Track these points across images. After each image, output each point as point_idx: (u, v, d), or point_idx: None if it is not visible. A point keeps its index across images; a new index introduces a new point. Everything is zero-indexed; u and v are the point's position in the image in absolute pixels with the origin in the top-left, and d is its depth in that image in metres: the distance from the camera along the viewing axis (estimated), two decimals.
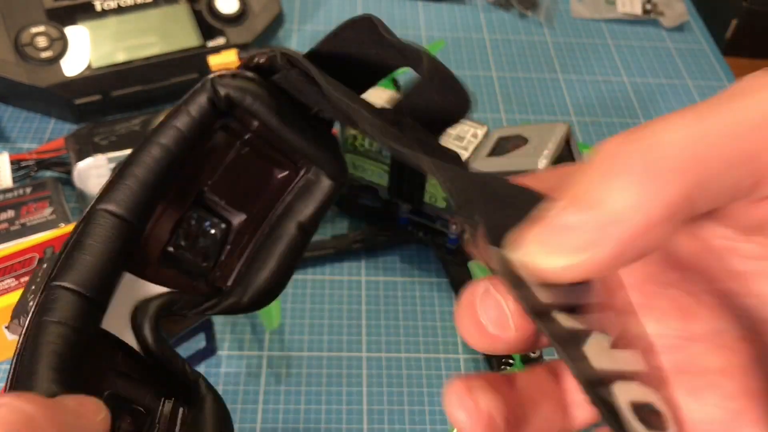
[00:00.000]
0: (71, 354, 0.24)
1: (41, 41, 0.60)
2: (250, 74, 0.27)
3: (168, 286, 0.28)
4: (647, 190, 0.17)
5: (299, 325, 0.52)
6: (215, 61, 0.61)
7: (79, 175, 0.55)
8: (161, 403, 0.27)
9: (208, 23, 0.64)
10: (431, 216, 0.55)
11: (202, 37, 0.64)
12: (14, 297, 0.46)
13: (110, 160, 0.55)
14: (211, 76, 0.28)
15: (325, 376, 0.49)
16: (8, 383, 0.24)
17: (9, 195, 0.53)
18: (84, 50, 0.61)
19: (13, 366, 0.24)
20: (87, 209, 0.27)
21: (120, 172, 0.27)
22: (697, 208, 0.18)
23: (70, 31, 0.61)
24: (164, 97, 0.65)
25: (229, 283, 0.30)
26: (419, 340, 0.52)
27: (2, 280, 0.46)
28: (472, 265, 0.49)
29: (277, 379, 0.49)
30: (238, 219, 0.30)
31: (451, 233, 0.54)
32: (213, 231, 0.30)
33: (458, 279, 0.54)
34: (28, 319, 0.25)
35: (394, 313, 0.53)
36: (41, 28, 0.60)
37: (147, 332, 0.27)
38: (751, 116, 0.18)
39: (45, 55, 0.60)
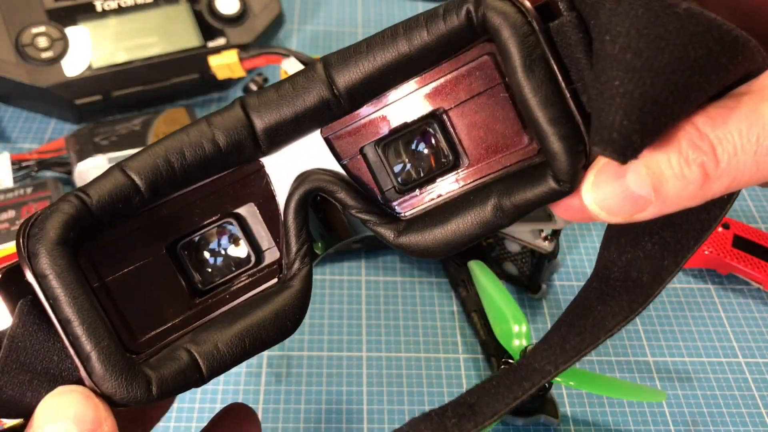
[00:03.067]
0: (197, 156, 0.25)
1: (42, 41, 0.60)
2: (527, 4, 0.23)
3: (351, 176, 0.27)
4: (695, 198, 0.22)
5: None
6: (216, 62, 0.61)
7: (80, 175, 0.55)
8: (261, 255, 0.27)
9: (209, 23, 0.65)
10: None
11: (203, 37, 0.64)
12: None
13: (111, 160, 0.55)
14: None
15: (325, 376, 0.50)
16: None
17: (10, 195, 0.53)
18: (85, 50, 0.61)
19: None
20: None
21: (358, 43, 0.25)
22: None
23: (70, 31, 0.61)
24: (165, 98, 0.65)
25: (407, 215, 0.27)
26: (419, 340, 0.52)
27: None
28: (472, 265, 0.50)
29: (277, 379, 0.49)
30: (464, 161, 0.26)
31: None
32: (431, 156, 0.27)
33: (458, 279, 0.54)
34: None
35: (394, 313, 0.53)
36: (42, 29, 0.60)
37: (295, 199, 0.26)
38: None
39: (46, 55, 0.60)
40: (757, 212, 0.63)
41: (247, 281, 0.27)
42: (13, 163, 0.56)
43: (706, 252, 0.56)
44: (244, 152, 0.26)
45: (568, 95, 0.23)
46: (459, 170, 0.27)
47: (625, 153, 0.21)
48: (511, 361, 0.46)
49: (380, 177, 0.27)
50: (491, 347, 0.50)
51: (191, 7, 0.65)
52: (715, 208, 0.25)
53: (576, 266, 0.57)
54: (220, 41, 0.64)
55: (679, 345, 0.53)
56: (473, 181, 0.26)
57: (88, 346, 0.23)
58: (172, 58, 0.63)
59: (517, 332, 0.47)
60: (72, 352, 0.23)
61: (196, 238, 0.27)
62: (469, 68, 0.25)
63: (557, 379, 0.45)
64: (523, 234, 0.51)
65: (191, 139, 0.25)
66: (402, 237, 0.26)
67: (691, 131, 0.21)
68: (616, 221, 0.23)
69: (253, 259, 0.27)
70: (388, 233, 0.26)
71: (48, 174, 0.58)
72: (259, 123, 0.25)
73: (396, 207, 0.27)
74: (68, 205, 0.24)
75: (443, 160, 0.27)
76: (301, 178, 0.26)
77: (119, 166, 0.25)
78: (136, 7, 0.63)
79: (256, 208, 0.27)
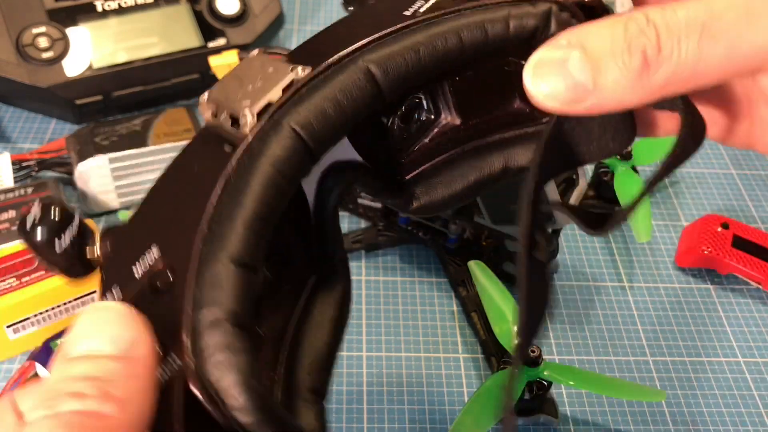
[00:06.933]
0: (275, 204, 0.22)
1: (42, 42, 0.60)
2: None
3: (361, 154, 0.27)
4: (636, 90, 0.22)
5: None
6: (216, 62, 0.61)
7: (81, 175, 0.55)
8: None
9: (209, 24, 0.65)
10: (431, 216, 0.55)
11: (203, 37, 0.64)
12: (15, 297, 0.46)
13: (111, 160, 0.55)
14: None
15: None
16: (213, 207, 0.21)
17: (10, 195, 0.53)
18: (85, 51, 0.61)
19: (222, 190, 0.21)
20: (350, 51, 0.24)
21: (397, 34, 0.24)
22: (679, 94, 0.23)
23: (71, 31, 0.61)
24: (165, 98, 0.65)
25: (408, 177, 0.28)
26: (419, 340, 0.52)
27: (3, 280, 0.46)
28: (472, 265, 0.50)
29: None
30: (449, 119, 0.28)
31: (451, 233, 0.54)
32: (423, 117, 0.28)
33: (458, 279, 0.54)
34: (247, 141, 0.22)
35: (394, 312, 0.54)
36: (42, 29, 0.60)
37: (333, 197, 0.26)
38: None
39: (46, 55, 0.60)
40: (756, 212, 0.63)
41: None
42: (13, 163, 0.56)
43: (706, 252, 0.56)
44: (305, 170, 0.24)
45: None
46: (450, 128, 0.28)
47: None
48: (511, 361, 0.46)
49: (385, 151, 0.28)
50: (491, 347, 0.50)
51: (191, 8, 0.65)
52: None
53: (576, 266, 0.58)
54: (221, 41, 0.64)
55: (679, 345, 0.53)
56: (468, 140, 0.28)
57: None
58: (172, 59, 0.63)
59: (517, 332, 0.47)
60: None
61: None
62: (483, 48, 0.26)
63: (557, 378, 0.45)
64: None
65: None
66: (414, 204, 0.28)
67: (638, 17, 0.22)
68: (554, 107, 0.23)
69: None
70: (400, 204, 0.28)
71: (48, 174, 0.58)
72: (313, 144, 0.23)
73: (401, 171, 0.28)
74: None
75: (428, 119, 0.28)
76: (329, 173, 0.26)
77: None
78: (136, 8, 0.63)
79: None
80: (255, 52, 0.26)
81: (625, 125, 0.27)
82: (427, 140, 0.28)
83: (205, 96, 0.25)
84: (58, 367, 0.20)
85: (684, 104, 0.23)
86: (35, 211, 0.24)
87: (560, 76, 0.22)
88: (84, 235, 0.24)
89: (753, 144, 0.27)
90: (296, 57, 0.25)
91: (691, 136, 0.24)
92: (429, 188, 0.28)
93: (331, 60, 0.23)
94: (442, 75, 0.26)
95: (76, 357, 0.20)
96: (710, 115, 0.27)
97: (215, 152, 0.23)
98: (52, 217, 0.24)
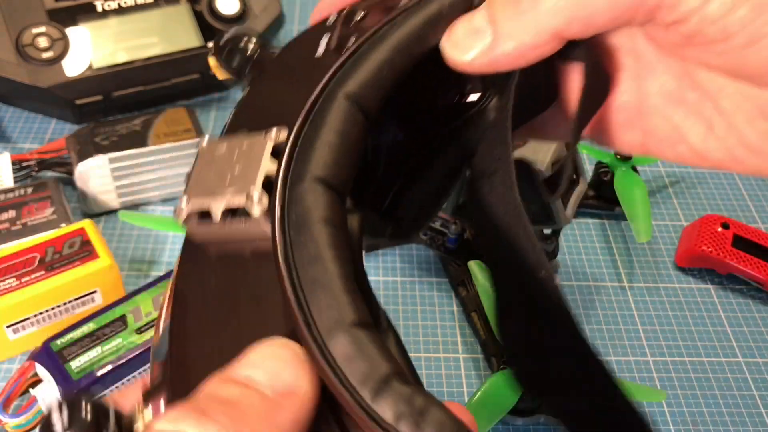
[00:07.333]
0: (348, 257, 0.21)
1: (42, 42, 0.60)
2: None
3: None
4: (526, 26, 0.23)
5: None
6: (216, 62, 0.61)
7: (81, 175, 0.55)
8: None
9: (209, 24, 0.65)
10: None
11: (203, 37, 0.64)
12: (15, 297, 0.46)
13: (111, 160, 0.55)
14: None
15: None
16: (296, 312, 0.19)
17: (10, 195, 0.53)
18: (85, 51, 0.61)
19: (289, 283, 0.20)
20: (319, 91, 0.22)
21: (360, 55, 0.23)
22: (573, 36, 0.24)
23: (71, 31, 0.61)
24: (165, 98, 0.65)
25: (386, 204, 0.28)
26: (419, 340, 0.52)
27: (3, 280, 0.46)
28: (472, 265, 0.50)
29: None
30: (392, 136, 0.27)
31: (451, 233, 0.54)
32: (369, 144, 0.27)
33: (458, 279, 0.54)
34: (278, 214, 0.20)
35: (394, 312, 0.54)
36: (42, 29, 0.60)
37: (356, 244, 0.24)
38: None
39: (46, 55, 0.60)
40: (757, 212, 0.63)
41: None
42: (13, 163, 0.56)
43: (706, 252, 0.56)
44: (345, 215, 0.23)
45: None
46: (398, 142, 0.28)
47: None
48: None
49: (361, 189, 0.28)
50: (491, 347, 0.50)
51: (191, 8, 0.65)
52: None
53: (576, 266, 0.58)
54: None
55: (679, 345, 0.53)
56: (421, 147, 0.28)
57: None
58: (172, 59, 0.63)
59: None
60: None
61: None
62: None
63: None
64: None
65: None
66: (404, 228, 0.28)
67: None
68: (465, 63, 0.24)
69: None
70: (398, 233, 0.28)
71: (48, 174, 0.58)
72: (341, 190, 0.23)
73: (378, 202, 0.28)
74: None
75: (379, 139, 0.28)
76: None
77: None
78: (136, 8, 0.63)
79: None
80: (205, 140, 0.24)
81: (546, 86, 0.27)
82: (382, 165, 0.28)
83: (182, 203, 0.22)
84: (211, 381, 0.19)
85: (586, 51, 0.24)
86: (57, 411, 0.19)
87: (468, 32, 0.24)
88: (121, 422, 0.21)
89: (649, 151, 0.27)
90: (246, 128, 0.24)
91: (596, 84, 0.25)
92: (407, 208, 0.27)
93: (305, 109, 0.22)
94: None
95: (232, 379, 0.19)
96: (600, 123, 0.27)
97: (226, 259, 0.22)
98: (84, 416, 0.19)
